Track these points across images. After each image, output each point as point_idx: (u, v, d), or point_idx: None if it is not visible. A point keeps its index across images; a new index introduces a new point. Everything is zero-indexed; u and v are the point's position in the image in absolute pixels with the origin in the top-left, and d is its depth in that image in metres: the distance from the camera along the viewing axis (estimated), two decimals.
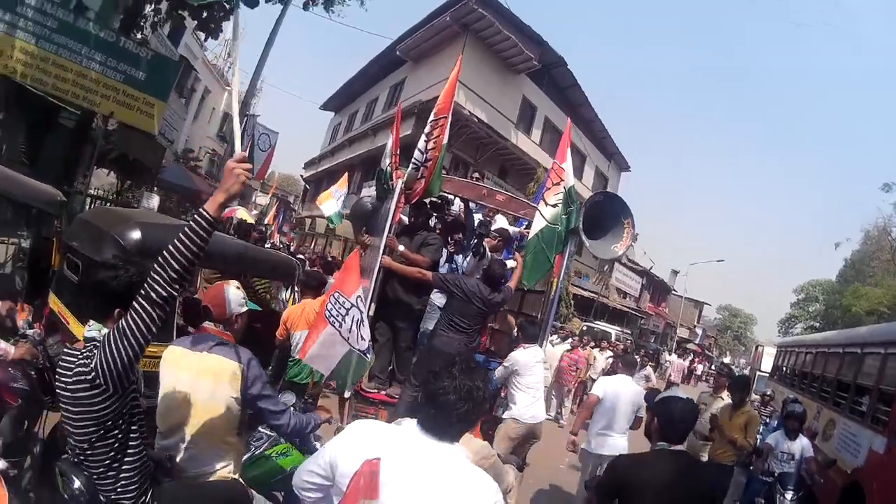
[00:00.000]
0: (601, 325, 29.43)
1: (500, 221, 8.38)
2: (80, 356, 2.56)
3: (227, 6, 14.18)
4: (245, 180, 2.52)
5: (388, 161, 6.97)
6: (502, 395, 6.79)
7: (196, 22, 14.59)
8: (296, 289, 6.90)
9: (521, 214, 7.41)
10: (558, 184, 6.74)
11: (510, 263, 7.39)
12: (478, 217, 8.19)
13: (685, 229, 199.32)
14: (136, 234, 4.63)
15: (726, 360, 67.82)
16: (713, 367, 44.01)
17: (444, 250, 7.01)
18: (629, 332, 34.51)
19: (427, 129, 6.44)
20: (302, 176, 45.85)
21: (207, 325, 3.46)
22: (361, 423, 2.31)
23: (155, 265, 2.42)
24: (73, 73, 11.60)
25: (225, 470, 3.25)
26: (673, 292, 56.13)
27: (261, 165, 17.22)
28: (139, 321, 2.42)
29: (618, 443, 6.45)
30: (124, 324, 2.43)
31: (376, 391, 6.39)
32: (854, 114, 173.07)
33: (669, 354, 35.83)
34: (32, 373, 3.91)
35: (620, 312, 39.45)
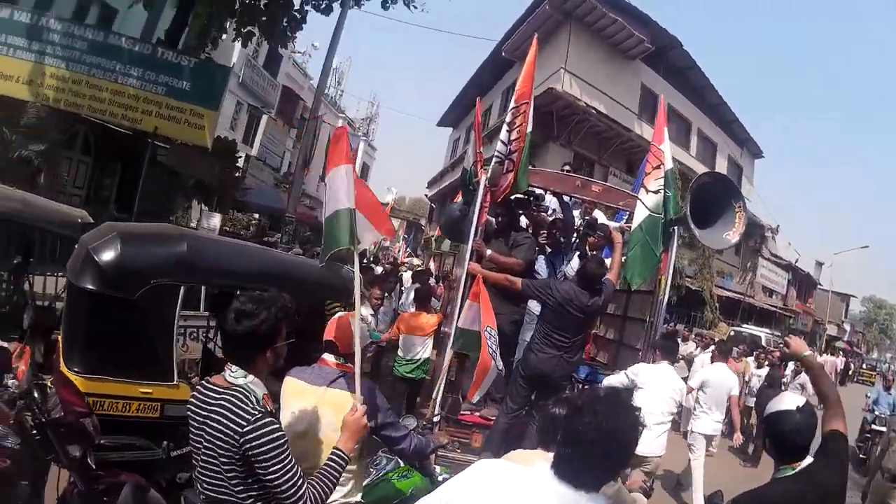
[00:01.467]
0: (749, 329, 27.65)
1: (600, 218, 7.88)
2: (237, 403, 2.56)
3: (298, 16, 14.37)
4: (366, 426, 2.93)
5: (472, 160, 6.72)
6: None
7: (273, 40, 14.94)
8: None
9: (620, 206, 7.03)
10: (658, 167, 6.42)
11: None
12: (576, 213, 7.81)
13: (827, 216, 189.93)
14: (111, 253, 3.95)
15: (873, 355, 64.69)
16: (864, 364, 42.71)
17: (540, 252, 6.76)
18: (778, 333, 31.44)
19: (508, 119, 6.19)
20: (426, 195, 46.25)
21: (327, 357, 3.44)
22: (486, 465, 2.10)
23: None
24: (108, 92, 11.88)
25: (346, 495, 3.24)
26: (819, 286, 53.11)
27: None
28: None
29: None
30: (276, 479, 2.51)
31: (469, 412, 6.13)
32: None
33: (820, 355, 34.20)
34: (32, 426, 3.65)
35: (768, 312, 37.79)
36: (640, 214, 6.27)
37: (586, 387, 6.65)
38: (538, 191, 6.83)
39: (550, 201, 7.51)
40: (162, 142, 13.02)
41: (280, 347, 2.76)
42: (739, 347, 15.00)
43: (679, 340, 13.01)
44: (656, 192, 6.25)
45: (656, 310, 6.47)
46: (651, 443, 5.93)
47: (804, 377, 13.08)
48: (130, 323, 3.96)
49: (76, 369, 3.80)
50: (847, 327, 60.59)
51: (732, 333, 24.27)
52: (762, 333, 26.44)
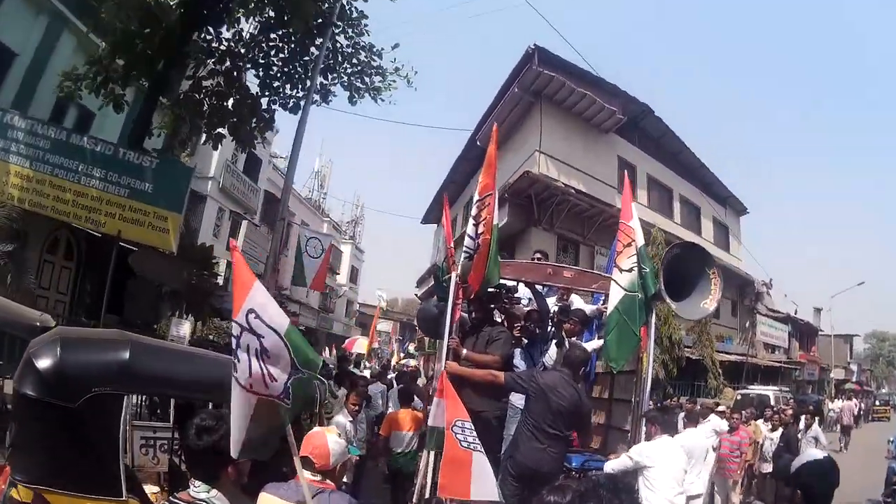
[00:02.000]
0: (756, 389, 26.99)
1: (577, 302, 7.89)
2: None
3: (266, 115, 14.59)
4: None
5: (443, 256, 6.69)
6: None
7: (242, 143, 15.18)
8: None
9: (594, 289, 6.97)
10: (629, 245, 6.30)
11: (593, 345, 6.93)
12: (551, 301, 7.75)
13: (819, 261, 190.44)
14: (51, 359, 3.72)
15: (883, 390, 64.65)
16: (877, 401, 42.96)
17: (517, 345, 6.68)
18: (787, 388, 32.17)
19: (474, 212, 6.20)
20: (416, 294, 46.31)
21: (305, 473, 3.35)
22: None
23: None
24: (71, 194, 11.73)
25: None
26: (820, 332, 53.00)
27: (315, 273, 16.82)
28: None
29: None
30: None
31: None
32: None
33: (832, 402, 34.10)
34: None
35: (772, 369, 37.17)
36: (616, 295, 6.16)
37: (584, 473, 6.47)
38: (510, 283, 6.80)
39: (524, 292, 7.46)
40: (131, 245, 12.92)
41: (243, 463, 2.81)
42: (747, 410, 14.27)
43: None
44: (629, 270, 6.15)
45: (640, 388, 6.34)
46: None
47: (815, 429, 13.10)
48: (74, 432, 3.76)
49: (19, 478, 3.61)
50: (854, 367, 60.38)
51: (739, 397, 23.92)
52: (769, 392, 25.71)
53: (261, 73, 15.12)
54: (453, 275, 6.10)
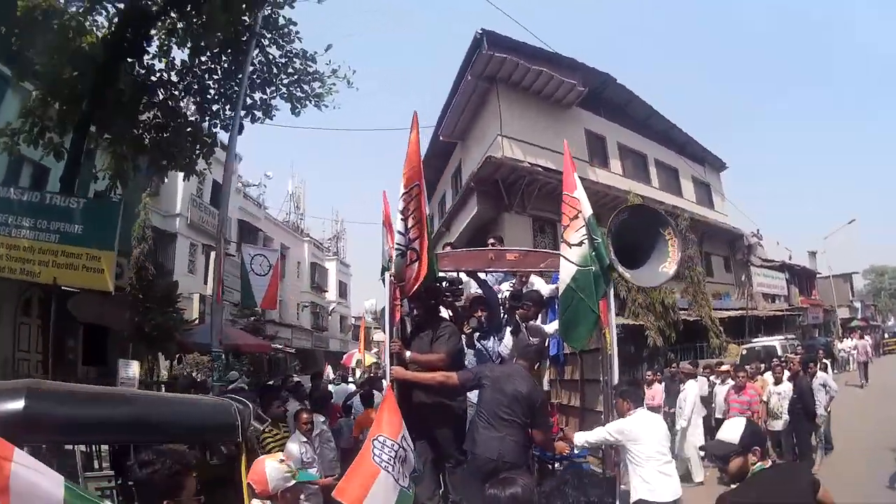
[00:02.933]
0: (761, 341, 26.62)
1: (537, 283, 7.51)
2: None
3: (208, 140, 14.24)
4: None
5: (386, 256, 6.26)
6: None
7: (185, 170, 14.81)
8: None
9: (543, 268, 6.56)
10: (576, 217, 5.90)
11: (554, 326, 6.56)
12: (506, 287, 7.37)
13: (807, 206, 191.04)
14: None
15: (889, 322, 67.55)
16: (885, 334, 43.43)
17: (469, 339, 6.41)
18: (793, 336, 31.50)
19: (401, 206, 5.76)
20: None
21: (255, 502, 3.56)
22: None
23: None
24: (4, 248, 11.44)
25: None
26: (818, 275, 53.31)
27: (264, 291, 16.26)
28: None
29: None
30: None
31: None
32: None
33: (841, 342, 34.29)
34: None
35: (775, 319, 36.80)
36: (567, 271, 5.80)
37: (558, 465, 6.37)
38: (452, 274, 6.42)
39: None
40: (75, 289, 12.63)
41: (185, 500, 2.80)
42: (752, 365, 13.70)
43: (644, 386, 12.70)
44: (579, 244, 5.76)
45: (608, 366, 5.96)
46: (675, 487, 5.52)
47: (821, 376, 12.21)
48: None
49: None
50: (858, 304, 61.15)
51: (744, 352, 23.57)
52: (776, 342, 25.11)
53: (197, 99, 14.71)
54: (387, 274, 5.81)
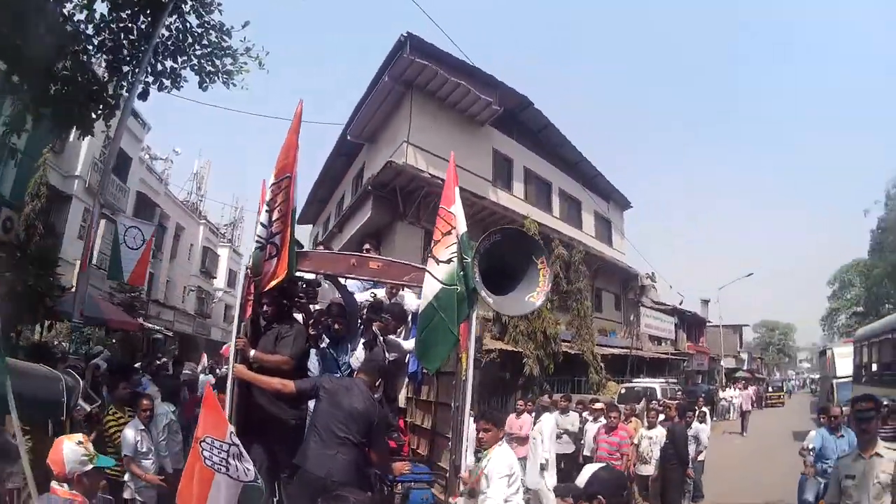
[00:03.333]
0: (642, 382, 26.64)
1: (409, 297, 7.39)
2: None
3: (112, 101, 13.56)
4: None
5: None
6: None
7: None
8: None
9: (405, 281, 6.34)
10: (449, 233, 5.73)
11: (411, 344, 6.44)
12: (380, 294, 7.19)
13: (705, 255, 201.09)
14: None
15: (776, 376, 70.31)
16: (769, 387, 45.59)
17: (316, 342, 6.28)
18: (675, 380, 31.60)
19: (268, 197, 5.52)
20: None
21: (54, 485, 3.41)
22: None
23: None
24: None
25: None
26: (708, 323, 55.19)
27: (134, 265, 15.41)
28: None
29: None
30: None
31: None
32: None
33: (723, 391, 36.10)
34: None
35: (660, 361, 37.52)
36: (432, 288, 5.62)
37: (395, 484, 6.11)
38: (309, 275, 6.22)
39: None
40: None
41: None
42: (627, 406, 13.85)
43: (553, 409, 12.47)
44: (448, 261, 5.59)
45: (461, 392, 5.73)
46: None
47: (696, 427, 12.49)
48: None
49: None
50: (745, 356, 63.96)
51: (623, 391, 23.71)
52: (656, 384, 25.10)
53: (110, 57, 14.05)
54: (243, 267, 5.45)
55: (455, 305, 5.45)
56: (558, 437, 11.71)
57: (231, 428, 4.52)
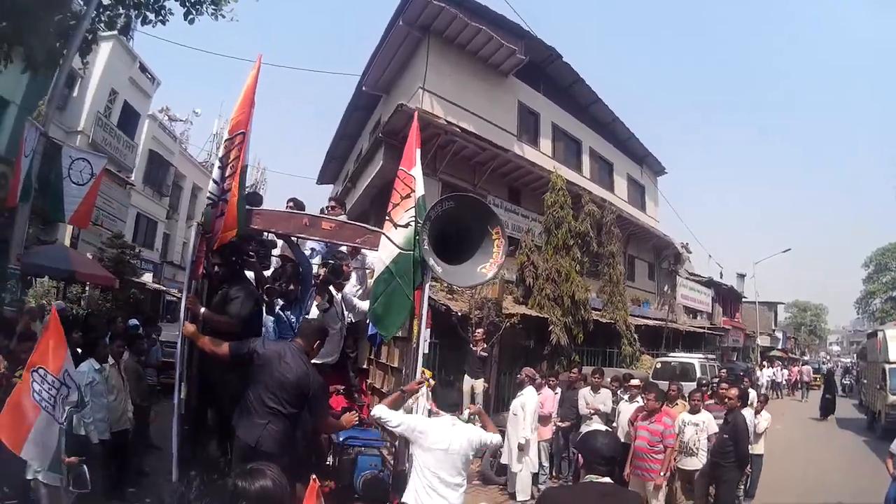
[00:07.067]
0: (678, 357, 25.23)
1: (371, 257, 7.57)
2: None
3: (90, 36, 13.51)
4: None
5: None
6: None
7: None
8: None
9: (358, 243, 6.60)
10: (408, 196, 5.99)
11: (364, 305, 6.73)
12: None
13: (743, 228, 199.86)
14: None
15: (805, 357, 71.58)
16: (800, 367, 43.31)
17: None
18: (713, 356, 31.29)
19: (221, 153, 5.83)
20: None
21: None
22: None
23: None
24: None
25: None
26: (744, 299, 54.96)
27: (80, 202, 13.82)
28: None
29: None
30: None
31: None
32: None
33: (761, 370, 35.54)
34: None
35: (695, 335, 36.63)
36: (388, 253, 5.90)
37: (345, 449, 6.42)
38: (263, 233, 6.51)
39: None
40: None
41: None
42: (673, 386, 11.09)
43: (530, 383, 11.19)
44: (406, 225, 5.86)
45: (411, 358, 6.06)
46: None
47: (748, 414, 10.44)
48: None
49: None
50: (780, 335, 63.35)
51: (659, 365, 23.25)
52: (694, 360, 23.83)
53: None
54: (195, 224, 5.69)
55: (411, 270, 5.75)
56: (589, 417, 11.34)
57: (68, 364, 4.77)
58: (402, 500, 5.26)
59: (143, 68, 28.55)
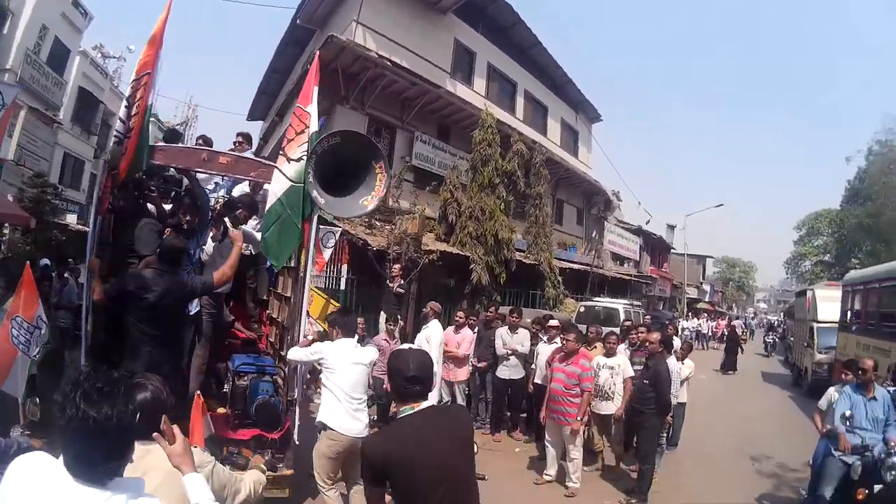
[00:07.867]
0: (604, 302, 24.52)
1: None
2: None
3: None
4: None
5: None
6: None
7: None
8: None
9: (252, 177, 7.06)
10: (302, 132, 6.38)
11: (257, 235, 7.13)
12: (241, 189, 8.01)
13: (673, 179, 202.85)
14: None
15: (732, 312, 73.07)
16: (730, 321, 43.55)
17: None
18: (638, 303, 30.35)
19: (128, 93, 6.11)
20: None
21: None
22: (25, 460, 2.08)
23: None
24: None
25: None
26: (672, 250, 56.40)
27: None
28: None
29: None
30: None
31: None
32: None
33: (685, 320, 36.64)
34: None
35: (621, 282, 37.64)
36: (280, 186, 6.31)
37: (240, 376, 6.83)
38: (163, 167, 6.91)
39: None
40: None
41: None
42: (592, 329, 11.57)
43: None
44: (298, 159, 6.23)
45: (299, 287, 6.56)
46: (348, 422, 5.94)
47: (673, 362, 10.00)
48: None
49: None
50: (707, 288, 64.97)
51: (582, 309, 22.89)
52: (619, 305, 22.99)
53: None
54: (101, 161, 6.09)
55: (301, 202, 6.20)
56: (507, 357, 11.42)
57: (39, 310, 5.53)
58: (329, 425, 5.91)
59: (75, 3, 27.91)
